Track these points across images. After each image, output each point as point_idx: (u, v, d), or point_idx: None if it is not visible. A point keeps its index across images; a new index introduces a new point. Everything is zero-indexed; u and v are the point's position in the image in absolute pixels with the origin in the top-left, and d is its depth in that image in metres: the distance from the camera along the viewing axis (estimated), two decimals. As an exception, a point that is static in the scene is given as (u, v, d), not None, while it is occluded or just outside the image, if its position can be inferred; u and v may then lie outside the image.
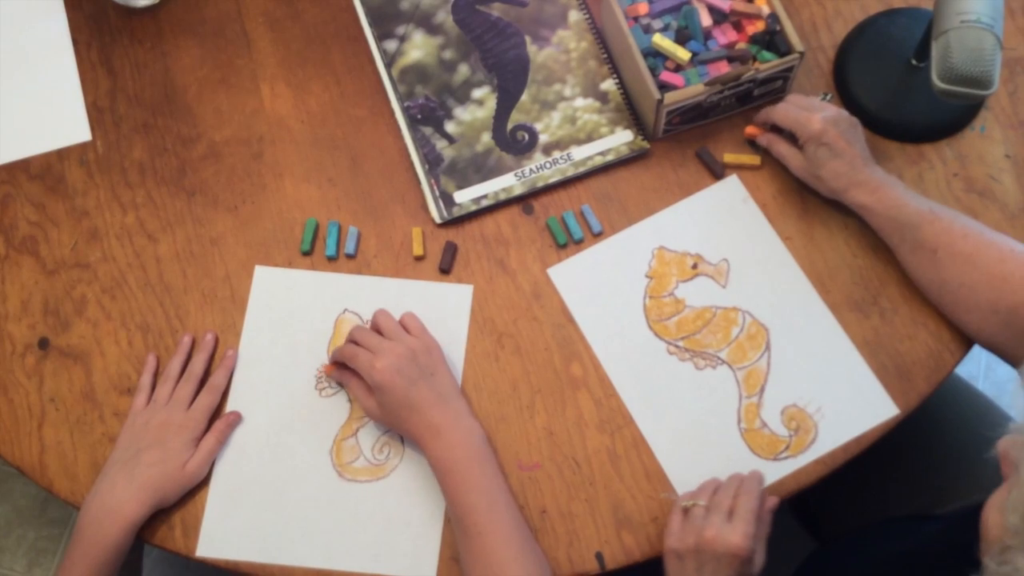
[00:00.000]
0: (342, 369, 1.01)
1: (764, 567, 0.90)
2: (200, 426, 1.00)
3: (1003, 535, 0.65)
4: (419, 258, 1.08)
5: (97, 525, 0.93)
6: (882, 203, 0.99)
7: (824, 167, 1.00)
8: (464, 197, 1.10)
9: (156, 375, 1.04)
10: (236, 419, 1.01)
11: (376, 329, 1.01)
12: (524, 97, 1.13)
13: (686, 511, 0.93)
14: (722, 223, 1.08)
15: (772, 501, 0.94)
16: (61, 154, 1.14)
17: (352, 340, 1.00)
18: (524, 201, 1.10)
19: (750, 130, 1.10)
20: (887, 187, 0.99)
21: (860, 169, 1.00)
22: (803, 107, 1.03)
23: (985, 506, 0.68)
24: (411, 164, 1.12)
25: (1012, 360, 0.95)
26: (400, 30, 1.17)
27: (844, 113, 1.02)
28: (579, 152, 1.11)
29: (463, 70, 1.15)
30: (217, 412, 1.02)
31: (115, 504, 0.94)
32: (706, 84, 1.04)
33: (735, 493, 0.92)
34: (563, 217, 1.09)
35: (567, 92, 1.14)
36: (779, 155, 1.06)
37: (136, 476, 0.95)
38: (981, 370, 1.93)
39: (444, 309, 1.06)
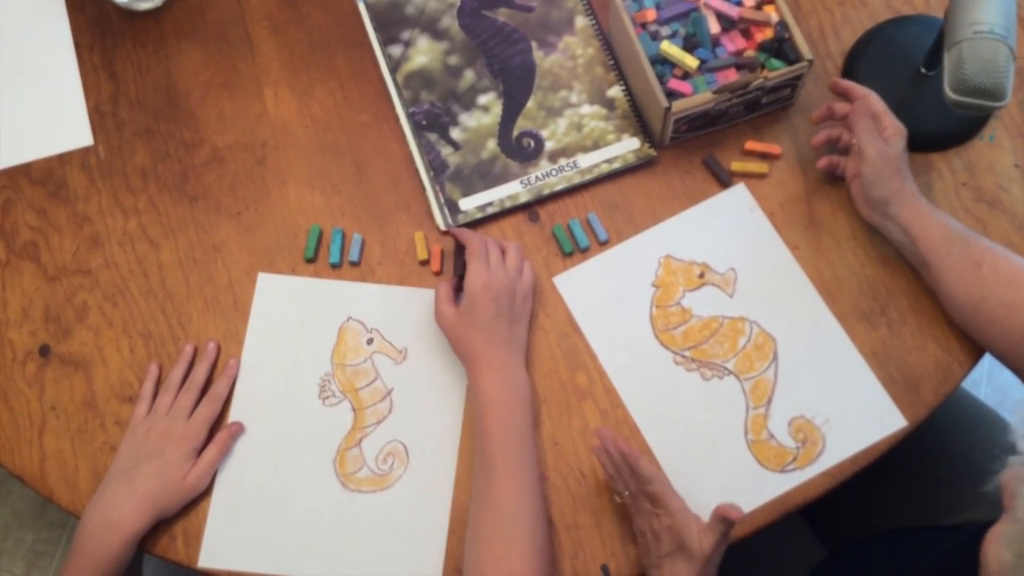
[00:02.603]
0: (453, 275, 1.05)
1: (713, 559, 0.90)
2: (201, 436, 0.99)
3: (1000, 570, 0.65)
4: (424, 262, 1.07)
5: (97, 537, 0.92)
6: (938, 213, 0.99)
7: (893, 161, 1.00)
8: (469, 204, 1.09)
9: (158, 384, 1.03)
10: (238, 430, 1.01)
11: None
12: (530, 103, 1.13)
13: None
14: (729, 232, 1.07)
15: (732, 514, 0.88)
16: (63, 159, 1.13)
17: (483, 240, 1.03)
18: (530, 209, 1.09)
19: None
20: (931, 207, 1.00)
21: (915, 188, 1.01)
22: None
23: (986, 536, 0.68)
24: (416, 171, 1.11)
25: None
26: (405, 35, 1.16)
27: None
28: (585, 159, 1.10)
29: (469, 76, 1.14)
30: (219, 421, 1.01)
31: (115, 516, 0.93)
32: (714, 92, 1.03)
33: (630, 480, 0.92)
34: (569, 225, 1.08)
35: (573, 99, 1.13)
36: (848, 139, 1.03)
37: (136, 487, 0.95)
38: (983, 375, 1.92)
39: (449, 318, 1.05)
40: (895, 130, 1.00)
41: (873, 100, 1.02)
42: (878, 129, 1.00)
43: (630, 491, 0.93)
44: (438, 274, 1.07)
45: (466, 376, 1.00)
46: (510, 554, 0.89)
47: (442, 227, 1.08)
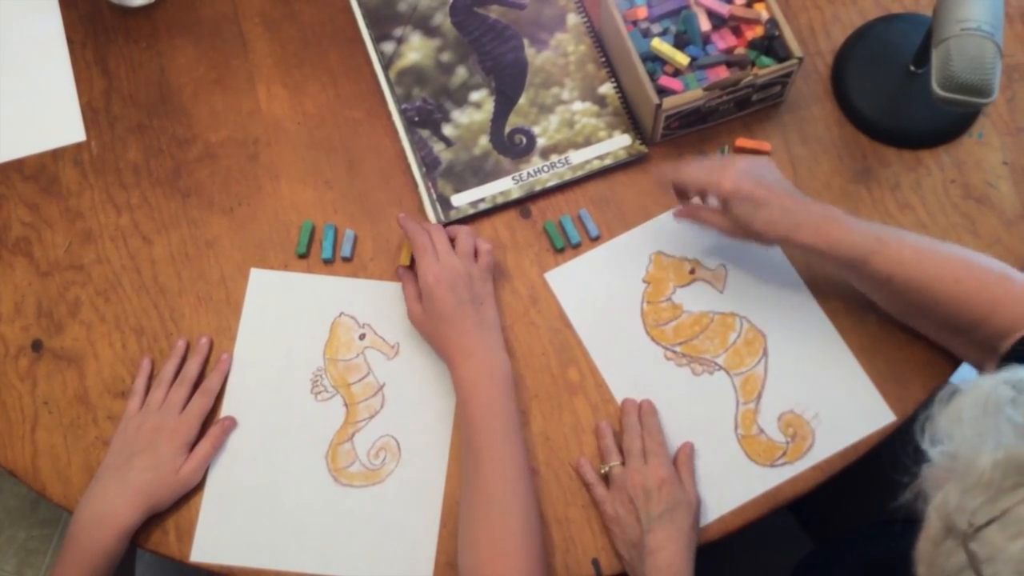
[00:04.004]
0: (406, 269, 1.05)
1: (701, 503, 0.96)
2: (193, 430, 0.99)
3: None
4: (404, 267, 1.07)
5: (89, 531, 0.93)
6: (826, 241, 0.91)
7: (755, 221, 0.93)
8: (461, 200, 1.09)
9: (150, 379, 1.03)
10: (231, 424, 1.01)
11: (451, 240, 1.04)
12: (522, 100, 1.13)
13: (606, 478, 0.98)
14: (720, 228, 1.08)
15: (687, 446, 0.99)
16: (55, 154, 1.13)
17: (428, 231, 1.02)
18: (521, 205, 1.10)
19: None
20: (828, 222, 0.92)
21: (794, 211, 0.93)
22: (708, 169, 0.97)
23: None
24: (408, 167, 1.11)
25: (973, 361, 0.96)
26: (398, 32, 1.16)
27: (752, 159, 0.98)
28: (577, 156, 1.10)
29: (461, 72, 1.15)
30: (212, 416, 1.02)
31: (107, 510, 0.93)
32: (705, 89, 1.04)
33: (639, 435, 0.98)
34: (561, 221, 1.08)
35: (565, 96, 1.13)
36: (707, 224, 1.00)
37: (129, 482, 0.95)
38: (973, 371, 1.93)
39: (441, 313, 1.05)
40: (724, 195, 0.94)
41: (689, 181, 0.98)
42: (720, 197, 0.95)
43: (626, 455, 0.97)
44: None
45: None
46: (504, 535, 0.90)
47: (434, 223, 1.09)
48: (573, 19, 1.16)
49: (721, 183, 0.94)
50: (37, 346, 1.05)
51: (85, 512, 0.94)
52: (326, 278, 1.07)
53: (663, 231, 1.08)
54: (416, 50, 1.16)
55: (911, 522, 1.09)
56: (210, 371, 1.03)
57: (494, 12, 1.17)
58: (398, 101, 1.13)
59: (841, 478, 1.00)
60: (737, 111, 1.11)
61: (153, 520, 0.97)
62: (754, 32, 1.08)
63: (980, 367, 0.94)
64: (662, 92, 1.05)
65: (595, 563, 0.96)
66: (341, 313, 1.06)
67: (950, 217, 1.07)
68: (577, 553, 0.97)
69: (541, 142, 1.11)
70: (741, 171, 0.94)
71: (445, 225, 1.08)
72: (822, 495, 1.02)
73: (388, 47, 1.16)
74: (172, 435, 0.98)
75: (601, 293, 1.06)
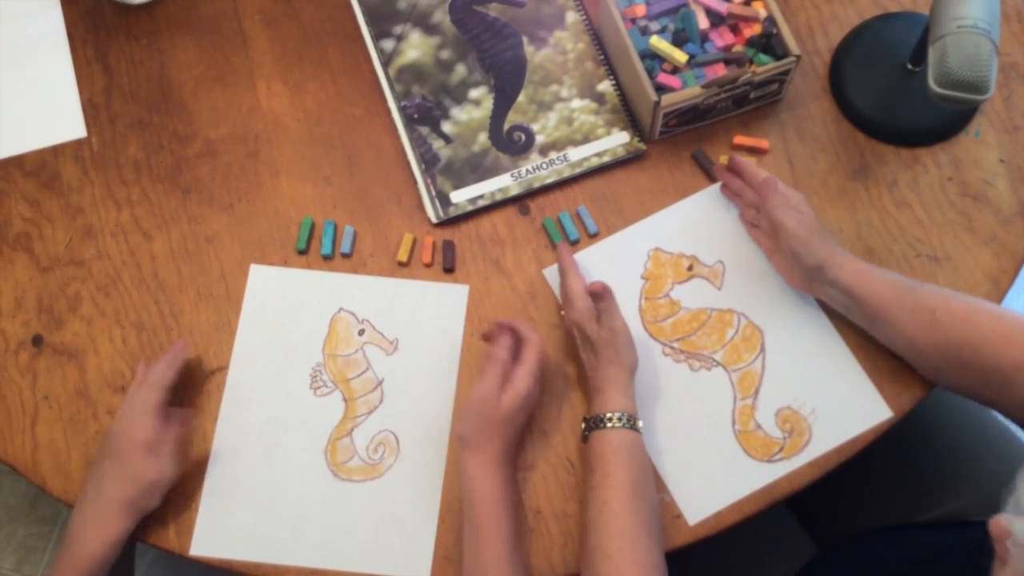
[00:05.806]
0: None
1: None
2: (148, 428, 0.94)
3: None
4: (402, 264, 1.08)
5: (82, 537, 0.91)
6: (874, 267, 0.96)
7: (822, 224, 0.98)
8: (460, 197, 1.10)
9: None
10: (191, 412, 1.00)
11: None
12: (521, 98, 1.14)
13: None
14: (717, 225, 1.08)
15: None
16: (56, 151, 1.13)
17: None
18: (520, 201, 1.10)
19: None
20: (861, 267, 0.97)
21: (838, 250, 0.98)
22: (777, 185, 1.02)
23: None
24: (407, 164, 1.12)
25: (1015, 417, 0.93)
26: (397, 29, 1.17)
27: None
28: (575, 153, 1.11)
29: (460, 70, 1.15)
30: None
31: (96, 518, 0.92)
32: (703, 87, 1.04)
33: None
34: (559, 218, 1.09)
35: (564, 93, 1.14)
36: (776, 209, 1.00)
37: (104, 495, 0.92)
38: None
39: (440, 309, 1.06)
40: (799, 198, 1.01)
41: (773, 178, 1.02)
42: (767, 189, 1.01)
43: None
44: (428, 266, 1.08)
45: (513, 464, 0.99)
46: None
47: (434, 220, 1.09)
48: (572, 17, 1.17)
49: (794, 191, 1.02)
50: (37, 341, 1.05)
51: (77, 517, 0.93)
52: (325, 274, 1.08)
53: (661, 228, 1.08)
54: (415, 47, 1.16)
55: (916, 527, 1.09)
56: (161, 359, 0.99)
57: (493, 10, 1.17)
58: (397, 98, 1.14)
59: (847, 479, 1.00)
60: (735, 109, 1.11)
61: (152, 514, 0.97)
62: (752, 30, 1.08)
63: (1016, 415, 0.92)
64: (660, 89, 1.05)
65: (593, 558, 0.97)
66: (340, 309, 1.06)
67: (947, 215, 1.07)
68: (575, 547, 0.97)
69: (540, 139, 1.12)
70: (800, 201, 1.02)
71: (443, 223, 1.08)
72: (827, 497, 1.01)
73: (388, 44, 1.16)
74: (128, 438, 0.94)
75: (599, 289, 1.06)
